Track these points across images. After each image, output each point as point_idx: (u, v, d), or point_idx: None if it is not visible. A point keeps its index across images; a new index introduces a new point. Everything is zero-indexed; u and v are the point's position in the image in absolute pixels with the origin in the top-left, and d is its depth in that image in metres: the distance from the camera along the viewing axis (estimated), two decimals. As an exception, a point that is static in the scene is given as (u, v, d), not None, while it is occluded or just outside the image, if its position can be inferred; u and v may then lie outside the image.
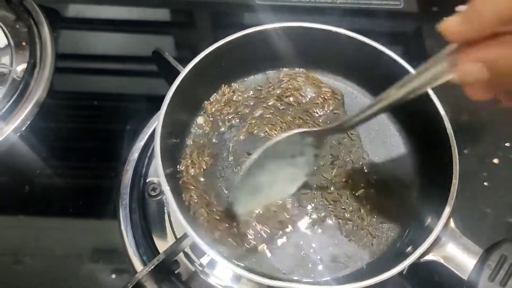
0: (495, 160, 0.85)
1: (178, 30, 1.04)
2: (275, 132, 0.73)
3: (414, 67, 0.68)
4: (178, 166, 0.71)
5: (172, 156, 0.69)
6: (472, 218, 0.78)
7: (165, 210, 0.76)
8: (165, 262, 0.65)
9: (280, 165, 0.62)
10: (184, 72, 0.68)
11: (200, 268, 0.71)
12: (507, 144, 0.87)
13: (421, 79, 0.46)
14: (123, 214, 0.75)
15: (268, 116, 0.75)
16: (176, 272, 0.71)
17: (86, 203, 0.78)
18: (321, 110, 0.76)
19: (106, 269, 0.72)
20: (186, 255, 0.72)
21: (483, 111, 0.92)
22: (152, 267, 0.63)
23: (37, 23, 0.92)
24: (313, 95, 0.77)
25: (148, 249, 0.72)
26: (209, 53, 0.69)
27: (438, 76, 0.44)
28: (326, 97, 0.77)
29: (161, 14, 1.06)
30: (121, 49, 0.98)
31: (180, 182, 0.69)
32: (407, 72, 0.68)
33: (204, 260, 0.72)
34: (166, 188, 0.59)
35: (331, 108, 0.76)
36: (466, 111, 0.87)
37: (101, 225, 0.77)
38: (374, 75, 0.73)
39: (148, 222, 0.75)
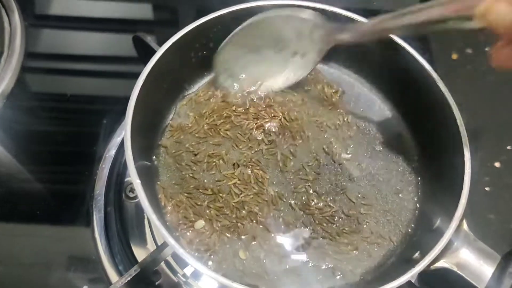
0: (497, 164, 0.82)
1: (160, 28, 0.97)
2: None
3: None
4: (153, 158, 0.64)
5: (146, 145, 0.63)
6: (475, 226, 0.73)
7: (145, 214, 0.69)
8: (144, 273, 0.59)
9: (276, 52, 0.59)
10: (162, 50, 0.61)
11: (184, 279, 0.65)
12: (509, 147, 0.83)
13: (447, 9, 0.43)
14: (97, 218, 0.68)
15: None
16: (156, 283, 0.65)
17: (56, 206, 0.71)
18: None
19: (78, 280, 0.65)
20: (168, 264, 0.66)
21: (483, 112, 0.88)
22: (129, 278, 0.57)
23: (6, 9, 0.85)
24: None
25: (125, 257, 0.66)
26: (191, 30, 0.63)
27: (466, 10, 0.41)
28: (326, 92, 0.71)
29: (142, 11, 0.99)
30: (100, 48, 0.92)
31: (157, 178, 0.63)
32: (412, 59, 0.63)
33: (188, 271, 0.66)
34: (136, 181, 0.52)
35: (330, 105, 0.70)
36: (465, 112, 0.82)
37: (72, 231, 0.69)
38: (375, 63, 0.68)
39: (126, 227, 0.69)
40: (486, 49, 0.97)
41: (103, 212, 0.68)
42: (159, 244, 0.65)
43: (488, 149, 0.86)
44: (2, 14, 0.85)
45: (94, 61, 0.89)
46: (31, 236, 0.69)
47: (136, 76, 0.59)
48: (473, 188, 0.78)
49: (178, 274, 0.65)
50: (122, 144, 0.73)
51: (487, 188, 0.80)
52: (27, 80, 0.83)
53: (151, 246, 0.67)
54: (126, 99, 0.56)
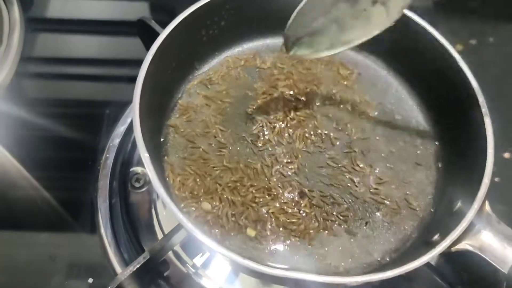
0: (506, 155, 0.81)
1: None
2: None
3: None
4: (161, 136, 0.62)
5: (155, 124, 0.61)
6: None
7: (152, 204, 0.67)
8: (152, 262, 0.56)
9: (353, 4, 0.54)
10: (171, 26, 0.59)
11: (193, 270, 0.63)
12: (516, 138, 0.82)
13: None
14: (102, 209, 0.66)
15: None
16: (165, 274, 0.63)
17: (59, 198, 0.68)
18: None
19: (84, 273, 0.63)
20: (177, 255, 0.64)
21: (489, 103, 0.87)
22: (138, 266, 0.54)
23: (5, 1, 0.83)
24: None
25: (132, 249, 0.64)
26: (201, 7, 0.61)
27: None
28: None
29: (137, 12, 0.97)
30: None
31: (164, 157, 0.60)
32: (437, 43, 0.62)
33: (198, 261, 0.64)
34: (145, 155, 0.50)
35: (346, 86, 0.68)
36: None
37: (77, 223, 0.67)
38: (392, 44, 0.66)
39: (132, 218, 0.67)
40: (491, 39, 0.96)
41: (107, 202, 0.66)
42: (166, 233, 0.62)
43: (496, 140, 0.85)
44: (1, 6, 0.83)
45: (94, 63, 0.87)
46: (31, 231, 0.67)
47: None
48: (482, 179, 0.77)
49: (187, 264, 0.63)
50: (126, 133, 0.72)
51: (496, 179, 0.79)
52: (26, 71, 0.81)
53: (159, 236, 0.65)
54: (131, 88, 0.54)
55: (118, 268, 0.62)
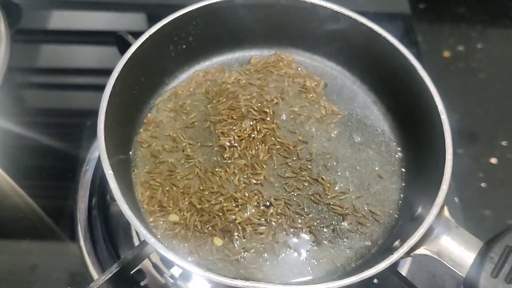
0: (492, 160, 0.81)
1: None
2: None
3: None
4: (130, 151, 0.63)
5: (123, 139, 0.62)
6: (470, 222, 0.72)
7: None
8: (126, 271, 0.57)
9: None
10: (138, 42, 0.61)
11: (172, 280, 0.64)
12: (503, 143, 0.82)
13: None
14: (82, 220, 0.68)
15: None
16: (143, 284, 0.64)
17: (38, 210, 0.70)
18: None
19: (62, 282, 0.64)
20: (155, 266, 0.65)
21: (477, 109, 0.88)
22: (110, 276, 0.55)
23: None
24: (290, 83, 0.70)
25: (109, 258, 0.65)
26: (168, 23, 0.63)
27: None
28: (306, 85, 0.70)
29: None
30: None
31: (133, 171, 0.62)
32: (398, 52, 0.63)
33: (176, 271, 0.65)
34: (108, 172, 0.51)
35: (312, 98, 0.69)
36: (458, 109, 0.82)
37: (56, 234, 0.68)
38: (359, 54, 0.68)
39: (111, 229, 0.68)
40: (478, 46, 0.96)
41: (87, 214, 0.68)
42: (142, 243, 0.64)
43: (483, 146, 0.85)
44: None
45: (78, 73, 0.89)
46: (12, 239, 0.68)
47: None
48: (468, 185, 0.78)
49: (165, 274, 0.64)
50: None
51: (482, 184, 0.79)
52: (11, 81, 0.82)
53: None
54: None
55: (96, 277, 0.63)
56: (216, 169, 0.61)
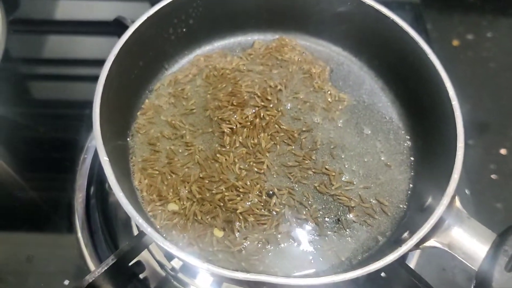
0: (503, 151, 0.79)
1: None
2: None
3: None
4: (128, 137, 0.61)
5: (121, 124, 0.61)
6: (481, 215, 0.70)
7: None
8: (123, 262, 0.55)
9: None
10: (136, 24, 0.59)
11: (172, 273, 0.62)
12: (514, 134, 0.79)
13: None
14: (79, 209, 0.66)
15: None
16: (142, 277, 0.62)
17: (36, 198, 0.68)
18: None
19: (59, 274, 0.63)
20: (155, 258, 0.63)
21: (487, 99, 0.85)
22: (106, 268, 0.54)
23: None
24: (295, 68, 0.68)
25: (108, 249, 0.64)
26: (167, 4, 0.61)
27: None
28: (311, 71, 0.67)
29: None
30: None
31: (131, 158, 0.60)
32: (408, 36, 0.60)
33: (176, 264, 0.63)
34: (104, 159, 0.49)
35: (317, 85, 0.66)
36: (468, 99, 0.79)
37: (53, 224, 0.67)
38: (366, 38, 0.65)
39: (109, 219, 0.67)
40: (488, 35, 0.94)
41: (85, 204, 0.66)
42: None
43: (493, 136, 0.83)
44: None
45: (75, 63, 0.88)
46: (8, 230, 0.67)
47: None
48: (479, 177, 0.76)
49: (166, 267, 0.63)
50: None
51: (493, 176, 0.77)
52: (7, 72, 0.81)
53: None
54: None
55: (93, 268, 0.62)
56: (217, 156, 0.59)
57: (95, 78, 0.81)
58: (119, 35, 0.66)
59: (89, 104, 0.74)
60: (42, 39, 0.88)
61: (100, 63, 0.82)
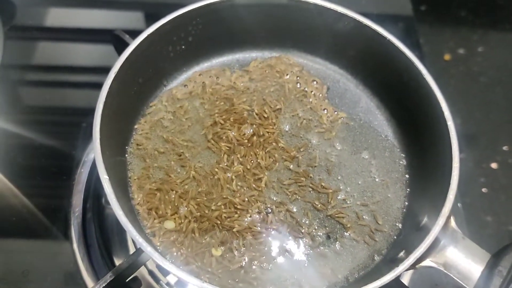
0: (493, 165, 0.80)
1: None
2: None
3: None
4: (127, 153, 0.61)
5: (120, 140, 0.61)
6: (472, 228, 0.71)
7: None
8: (120, 279, 0.55)
9: None
10: (136, 42, 0.59)
11: (167, 288, 0.62)
12: (504, 148, 0.81)
13: None
14: (75, 224, 0.66)
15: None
16: (138, 292, 0.61)
17: (32, 214, 0.68)
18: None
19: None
20: (151, 273, 0.64)
21: (478, 113, 0.87)
22: (104, 285, 0.53)
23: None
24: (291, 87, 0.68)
25: (104, 266, 0.64)
26: (167, 23, 0.61)
27: None
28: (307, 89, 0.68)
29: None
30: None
31: (129, 174, 0.60)
32: (403, 56, 0.61)
33: (172, 279, 0.63)
34: (104, 177, 0.49)
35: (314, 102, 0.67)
36: (459, 113, 0.81)
37: (49, 240, 0.67)
38: (362, 57, 0.66)
39: (106, 234, 0.66)
40: (479, 49, 0.95)
41: (81, 218, 0.66)
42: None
43: (484, 150, 0.84)
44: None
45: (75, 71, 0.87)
46: (4, 245, 0.66)
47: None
48: (469, 190, 0.77)
49: (161, 282, 0.63)
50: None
51: (483, 190, 0.78)
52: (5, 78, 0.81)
53: (132, 252, 0.64)
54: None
55: (90, 283, 0.62)
56: (215, 171, 0.59)
57: (92, 86, 0.83)
58: (117, 49, 0.67)
59: (86, 112, 0.76)
60: (39, 46, 0.88)
61: (97, 70, 0.84)
